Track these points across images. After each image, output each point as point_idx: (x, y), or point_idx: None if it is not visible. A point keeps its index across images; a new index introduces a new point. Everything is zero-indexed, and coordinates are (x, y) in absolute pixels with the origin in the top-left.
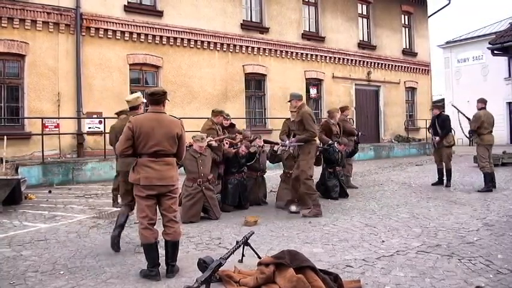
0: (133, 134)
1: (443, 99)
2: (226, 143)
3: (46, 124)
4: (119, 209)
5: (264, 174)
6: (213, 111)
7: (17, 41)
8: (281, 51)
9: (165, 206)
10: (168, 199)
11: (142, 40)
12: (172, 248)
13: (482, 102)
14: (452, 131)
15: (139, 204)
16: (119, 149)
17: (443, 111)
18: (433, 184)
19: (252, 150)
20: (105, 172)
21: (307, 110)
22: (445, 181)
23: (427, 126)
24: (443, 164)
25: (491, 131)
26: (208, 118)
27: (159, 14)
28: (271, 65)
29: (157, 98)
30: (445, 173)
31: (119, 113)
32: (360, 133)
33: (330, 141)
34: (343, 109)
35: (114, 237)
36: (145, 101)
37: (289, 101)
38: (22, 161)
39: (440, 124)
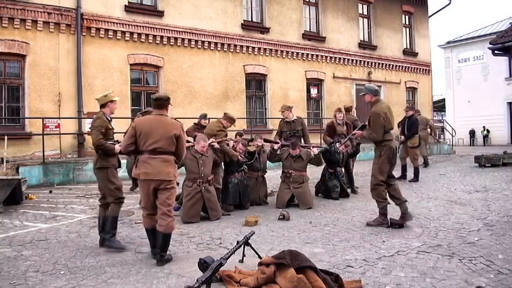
0: (135, 133)
1: (444, 99)
2: (228, 144)
3: (47, 124)
4: (133, 209)
5: (265, 174)
6: (225, 114)
7: (18, 41)
8: (282, 51)
9: (160, 200)
10: (164, 193)
11: (143, 40)
12: (163, 239)
13: (414, 109)
14: (454, 132)
15: (141, 197)
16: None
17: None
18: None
19: (252, 149)
20: None
21: (376, 109)
22: (410, 177)
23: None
24: (411, 161)
25: (424, 128)
26: (217, 119)
27: (160, 14)
28: (272, 65)
29: (161, 103)
30: (413, 170)
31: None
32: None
33: (331, 142)
34: (348, 109)
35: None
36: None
37: (363, 94)
38: (23, 161)
39: (409, 126)
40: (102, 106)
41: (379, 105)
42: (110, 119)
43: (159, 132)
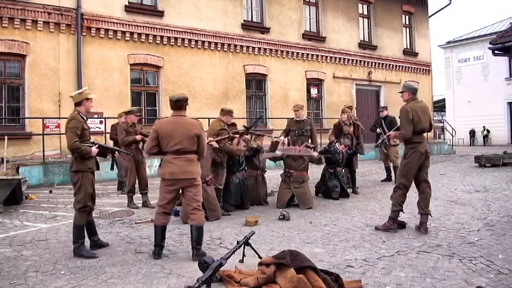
0: (157, 136)
1: (444, 99)
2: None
3: (47, 124)
4: (133, 209)
5: (264, 173)
6: (222, 110)
7: (18, 41)
8: (282, 51)
9: (188, 197)
10: (191, 190)
11: (143, 40)
12: (196, 232)
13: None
14: (454, 132)
15: (161, 195)
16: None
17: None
18: (382, 181)
19: (255, 145)
20: (106, 172)
21: (405, 107)
22: (393, 178)
23: (371, 126)
24: (390, 162)
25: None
26: (216, 118)
27: (160, 14)
28: (272, 65)
29: (180, 104)
30: (392, 170)
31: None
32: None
33: (331, 142)
34: (348, 108)
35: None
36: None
37: (401, 92)
38: (23, 161)
39: (388, 125)
40: (77, 104)
41: (412, 103)
42: (85, 118)
43: (180, 133)
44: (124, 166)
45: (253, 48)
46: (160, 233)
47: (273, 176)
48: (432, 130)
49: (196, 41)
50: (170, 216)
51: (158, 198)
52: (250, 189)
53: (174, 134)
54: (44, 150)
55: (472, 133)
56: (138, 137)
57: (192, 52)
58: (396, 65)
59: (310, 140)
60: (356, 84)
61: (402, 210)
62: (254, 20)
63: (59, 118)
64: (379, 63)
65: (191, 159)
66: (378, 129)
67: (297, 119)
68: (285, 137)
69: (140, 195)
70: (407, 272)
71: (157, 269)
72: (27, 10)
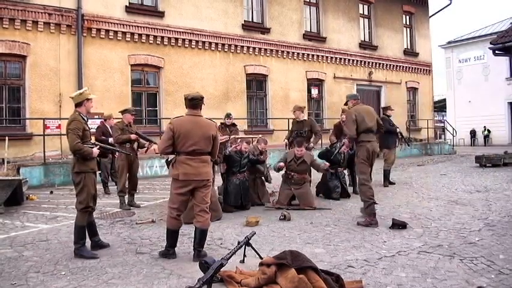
0: (173, 134)
1: (444, 99)
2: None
3: (47, 125)
4: (134, 209)
5: (270, 182)
6: None
7: (19, 41)
8: (282, 52)
9: (198, 198)
10: (202, 191)
11: (144, 41)
12: (200, 234)
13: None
14: (454, 132)
15: (174, 197)
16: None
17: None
18: (385, 186)
19: (260, 147)
20: None
21: (350, 110)
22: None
23: (389, 127)
24: (388, 163)
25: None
26: (216, 119)
27: (161, 14)
28: (273, 66)
29: (196, 103)
30: (383, 172)
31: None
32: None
33: (333, 142)
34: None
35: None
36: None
37: (345, 103)
38: (24, 161)
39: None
40: (78, 105)
41: (356, 107)
42: (86, 119)
43: (198, 134)
44: (118, 165)
45: (254, 48)
46: (173, 236)
47: (273, 176)
48: (382, 129)
49: (197, 42)
50: (181, 218)
51: (169, 199)
52: (252, 190)
53: (191, 134)
54: (44, 151)
55: (473, 133)
56: (133, 136)
57: (192, 53)
58: (397, 65)
59: (310, 140)
60: (357, 85)
61: (375, 202)
62: (255, 20)
63: (60, 119)
64: (379, 64)
65: (206, 161)
66: (398, 128)
67: (298, 120)
68: (288, 138)
69: (128, 194)
70: (408, 272)
71: (158, 269)
72: (28, 11)
